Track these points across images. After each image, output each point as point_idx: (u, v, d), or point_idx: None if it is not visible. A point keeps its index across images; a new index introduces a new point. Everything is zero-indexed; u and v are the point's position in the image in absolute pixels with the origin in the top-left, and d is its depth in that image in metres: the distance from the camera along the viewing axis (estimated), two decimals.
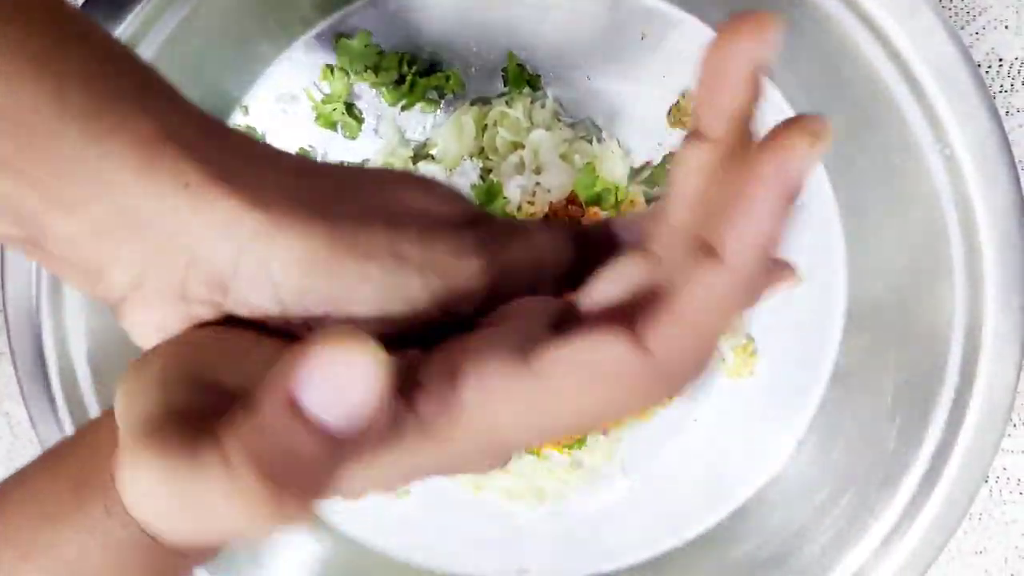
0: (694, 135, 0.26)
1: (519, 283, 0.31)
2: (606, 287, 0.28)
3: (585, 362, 0.25)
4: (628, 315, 0.25)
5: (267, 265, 0.26)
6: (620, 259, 0.28)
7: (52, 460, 0.29)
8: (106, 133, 0.26)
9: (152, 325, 0.29)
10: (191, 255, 0.27)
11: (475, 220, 0.31)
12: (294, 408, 0.21)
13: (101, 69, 0.27)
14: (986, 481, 0.61)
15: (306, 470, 0.21)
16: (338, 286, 0.27)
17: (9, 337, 0.54)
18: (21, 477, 0.29)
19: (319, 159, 0.60)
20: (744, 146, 0.24)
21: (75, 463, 0.28)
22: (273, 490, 0.21)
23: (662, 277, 0.26)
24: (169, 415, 0.24)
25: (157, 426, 0.24)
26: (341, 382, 0.21)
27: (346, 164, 0.30)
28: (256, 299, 0.27)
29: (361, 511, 0.61)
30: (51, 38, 0.26)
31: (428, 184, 0.31)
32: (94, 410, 0.56)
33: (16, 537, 0.27)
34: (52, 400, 0.55)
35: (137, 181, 0.26)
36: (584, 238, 0.34)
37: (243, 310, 0.28)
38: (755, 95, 0.24)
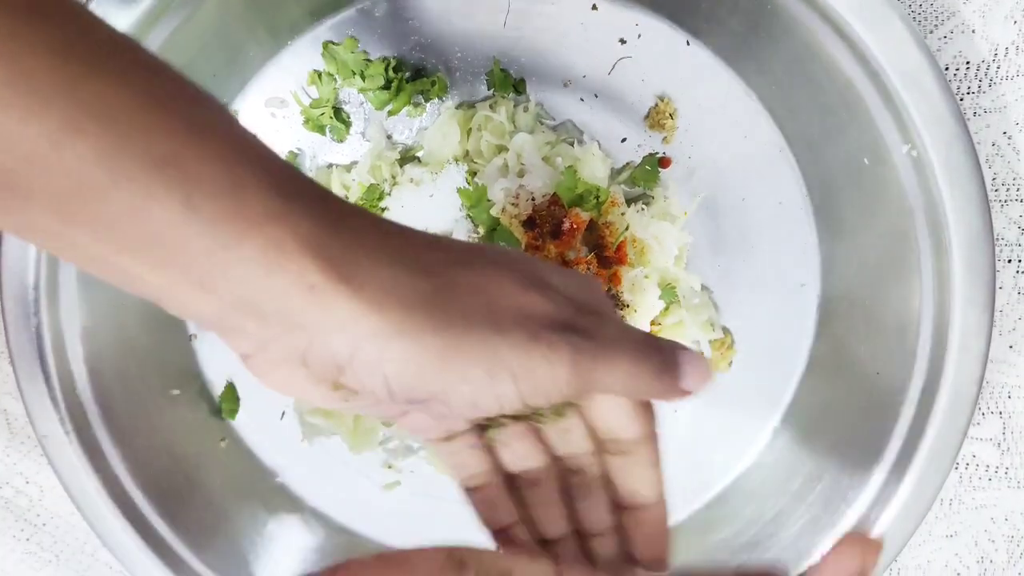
0: None
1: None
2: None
3: None
4: None
5: (381, 363, 0.30)
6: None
7: None
8: (236, 239, 0.27)
9: (278, 378, 0.32)
10: (310, 342, 0.30)
11: (569, 325, 0.32)
12: None
13: (230, 173, 0.27)
14: (956, 468, 0.62)
15: None
16: (442, 383, 0.30)
17: (7, 335, 0.55)
18: None
19: (308, 161, 0.61)
20: None
21: None
22: None
23: None
24: None
25: None
26: None
27: (456, 240, 0.34)
28: (369, 383, 0.30)
29: (353, 501, 0.63)
30: (179, 139, 0.27)
31: (533, 272, 0.33)
32: (90, 406, 0.57)
33: None
34: (49, 397, 0.55)
35: (265, 283, 0.28)
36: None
37: (356, 386, 0.31)
38: None
